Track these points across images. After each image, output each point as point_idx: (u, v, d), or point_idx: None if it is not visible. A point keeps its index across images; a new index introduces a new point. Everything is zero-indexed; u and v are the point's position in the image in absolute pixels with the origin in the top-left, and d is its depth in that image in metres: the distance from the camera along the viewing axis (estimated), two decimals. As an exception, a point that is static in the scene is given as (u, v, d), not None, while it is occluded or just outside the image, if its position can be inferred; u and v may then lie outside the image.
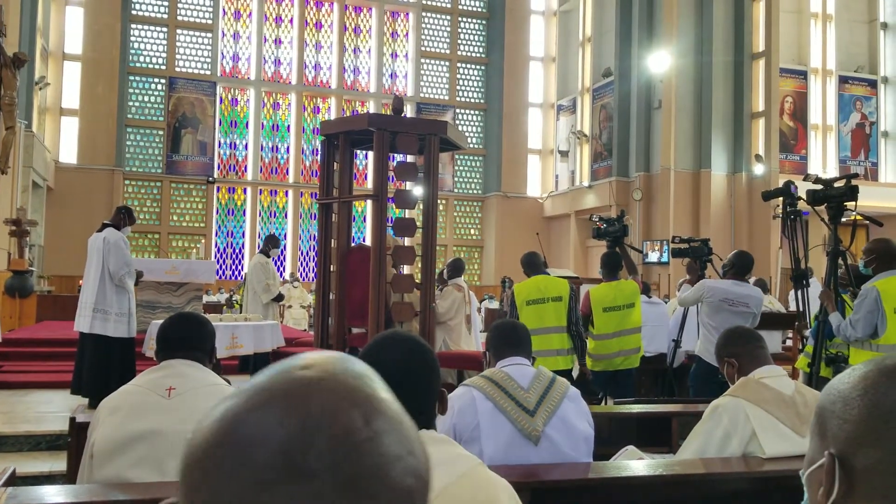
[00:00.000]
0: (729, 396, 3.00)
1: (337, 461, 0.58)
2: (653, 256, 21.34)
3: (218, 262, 25.08)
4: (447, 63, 28.80)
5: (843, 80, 24.03)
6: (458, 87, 28.82)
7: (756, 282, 7.49)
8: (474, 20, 29.27)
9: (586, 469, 2.82)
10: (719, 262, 6.90)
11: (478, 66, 29.15)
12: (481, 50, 29.23)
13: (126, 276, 7.20)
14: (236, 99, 26.74)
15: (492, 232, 28.01)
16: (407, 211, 10.78)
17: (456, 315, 8.27)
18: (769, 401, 2.93)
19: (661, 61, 21.66)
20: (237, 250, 26.36)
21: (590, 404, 3.04)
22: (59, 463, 5.35)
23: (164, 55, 25.83)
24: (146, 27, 25.80)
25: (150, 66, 25.81)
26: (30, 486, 2.67)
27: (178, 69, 25.91)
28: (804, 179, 5.85)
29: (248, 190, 26.58)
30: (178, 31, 26.02)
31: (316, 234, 9.43)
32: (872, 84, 24.29)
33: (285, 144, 27.17)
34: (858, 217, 5.45)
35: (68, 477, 3.40)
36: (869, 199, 16.39)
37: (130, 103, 25.47)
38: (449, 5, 28.80)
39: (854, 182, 5.25)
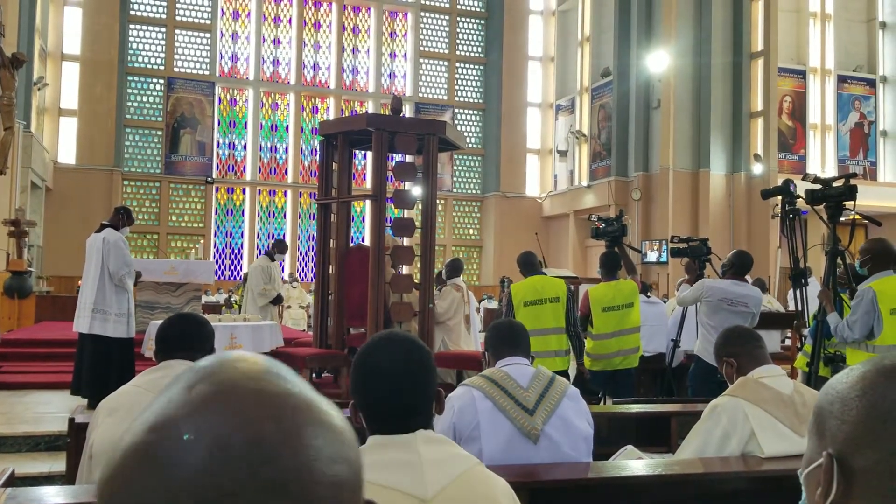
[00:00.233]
0: (728, 396, 3.00)
1: (254, 473, 0.55)
2: (651, 256, 21.35)
3: (217, 262, 25.07)
4: (446, 63, 28.80)
5: (841, 80, 24.04)
6: (456, 87, 28.82)
7: (755, 281, 7.49)
8: (473, 20, 29.27)
9: (585, 469, 2.82)
10: (718, 261, 6.90)
11: (476, 66, 29.15)
12: (480, 50, 29.23)
13: (126, 276, 7.20)
14: (235, 99, 26.73)
15: (491, 232, 28.01)
16: (406, 211, 10.77)
17: (455, 315, 8.27)
18: (768, 400, 2.93)
19: (659, 61, 21.67)
20: (236, 250, 26.35)
21: (588, 404, 3.04)
22: (58, 463, 5.35)
23: (162, 55, 25.82)
24: (145, 27, 25.79)
25: (149, 66, 25.80)
26: (29, 487, 2.67)
27: (176, 69, 25.90)
28: (803, 179, 5.85)
29: (247, 190, 26.57)
30: (177, 31, 26.01)
31: (315, 235, 9.42)
32: (871, 83, 24.31)
33: (284, 144, 27.16)
34: (857, 217, 5.45)
35: (67, 477, 3.40)
36: (868, 199, 16.42)
37: (129, 103, 25.47)
38: (447, 5, 28.80)
39: (853, 182, 5.25)
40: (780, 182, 6.15)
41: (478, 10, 29.30)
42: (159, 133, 25.61)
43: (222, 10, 26.62)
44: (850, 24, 24.19)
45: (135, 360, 7.48)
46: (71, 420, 3.44)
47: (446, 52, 28.81)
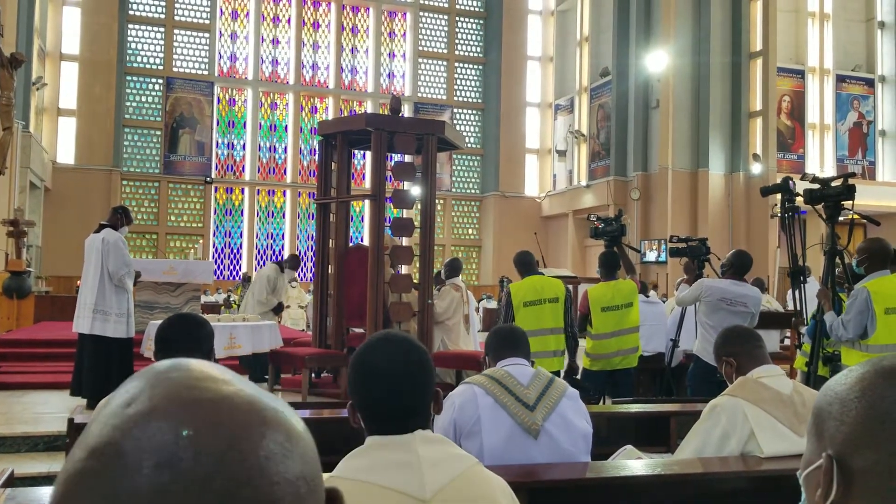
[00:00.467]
0: (727, 396, 3.00)
1: (205, 486, 0.53)
2: (651, 256, 21.36)
3: (216, 262, 25.08)
4: (445, 63, 28.80)
5: (840, 79, 24.06)
6: (455, 87, 28.82)
7: (754, 281, 7.48)
8: (472, 20, 29.28)
9: (584, 469, 2.82)
10: (717, 261, 6.90)
11: (475, 66, 29.15)
12: (479, 49, 29.24)
13: (125, 276, 7.19)
14: (234, 99, 26.73)
15: (490, 232, 28.01)
16: (405, 211, 10.77)
17: (454, 315, 8.26)
18: (767, 400, 2.93)
19: (658, 61, 21.68)
20: (235, 250, 26.34)
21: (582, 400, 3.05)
22: (57, 464, 5.35)
23: (161, 55, 25.81)
24: (143, 27, 25.79)
25: (148, 66, 25.80)
26: (28, 487, 2.67)
27: (175, 69, 25.90)
28: (802, 178, 5.86)
29: (246, 190, 26.57)
30: (176, 31, 26.01)
31: (314, 235, 9.42)
32: (870, 83, 24.32)
33: (283, 144, 27.16)
34: (856, 216, 5.45)
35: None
36: (866, 198, 16.43)
37: (128, 103, 25.46)
38: (446, 5, 28.80)
39: (851, 181, 5.25)
40: (778, 181, 6.15)
41: (477, 9, 29.31)
42: (158, 133, 25.61)
43: (221, 9, 26.61)
44: (848, 23, 24.21)
45: (134, 360, 7.47)
46: (70, 420, 3.44)
47: (445, 51, 28.81)
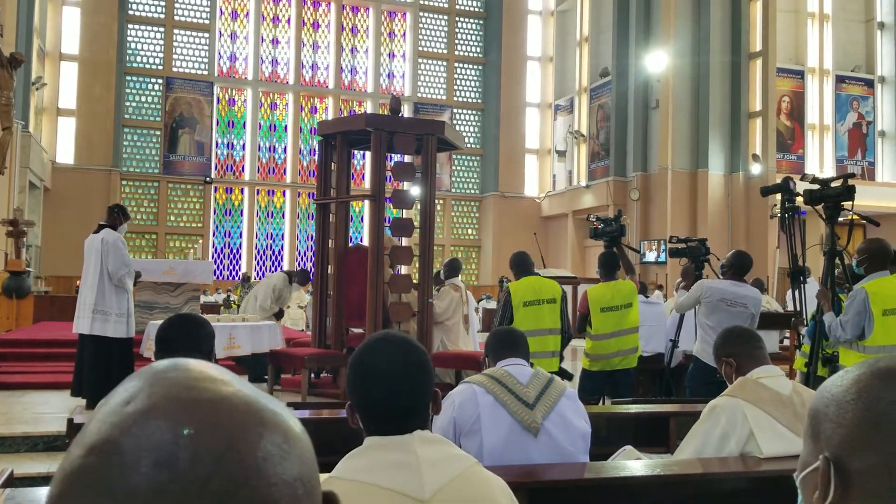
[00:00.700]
0: (727, 396, 3.00)
1: (203, 486, 0.53)
2: (650, 256, 21.36)
3: (215, 262, 25.08)
4: (444, 63, 28.80)
5: (839, 80, 24.06)
6: (455, 87, 28.83)
7: (753, 282, 7.49)
8: (471, 20, 29.28)
9: (584, 469, 2.82)
10: (717, 262, 6.90)
11: (475, 66, 29.15)
12: (479, 50, 29.24)
13: (125, 276, 7.19)
14: (233, 99, 26.73)
15: (489, 232, 28.02)
16: (404, 211, 10.77)
17: (453, 315, 8.26)
18: (767, 401, 2.93)
19: (658, 61, 21.68)
20: (234, 250, 26.34)
21: None
22: (56, 464, 5.33)
23: (160, 55, 25.81)
24: (143, 27, 25.79)
25: (147, 66, 25.80)
26: (28, 488, 2.67)
27: (174, 69, 25.90)
28: (801, 179, 5.86)
29: (246, 190, 26.57)
30: (175, 31, 26.01)
31: (313, 235, 9.42)
32: (869, 84, 24.32)
33: (283, 144, 27.16)
34: (855, 217, 5.45)
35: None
36: (866, 199, 16.42)
37: (127, 103, 25.46)
38: (446, 5, 28.80)
39: (851, 182, 5.25)
40: (778, 181, 6.15)
41: (476, 10, 29.31)
42: (158, 133, 25.61)
43: (221, 9, 26.61)
44: (848, 24, 24.21)
45: (134, 360, 7.48)
46: (70, 420, 3.44)
47: (445, 52, 28.81)
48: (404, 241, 8.71)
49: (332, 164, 8.35)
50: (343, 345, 8.03)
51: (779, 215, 6.19)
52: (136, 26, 25.73)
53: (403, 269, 8.74)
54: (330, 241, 8.27)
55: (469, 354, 7.76)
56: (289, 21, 27.37)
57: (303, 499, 0.57)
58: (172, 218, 25.60)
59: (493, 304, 20.33)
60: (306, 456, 0.59)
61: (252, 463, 0.55)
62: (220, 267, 25.63)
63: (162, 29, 25.86)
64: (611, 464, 3.09)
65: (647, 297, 8.01)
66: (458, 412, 2.81)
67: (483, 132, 28.83)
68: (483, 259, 28.41)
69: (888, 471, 0.83)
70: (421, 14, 28.59)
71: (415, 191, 8.73)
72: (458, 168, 28.87)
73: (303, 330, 13.94)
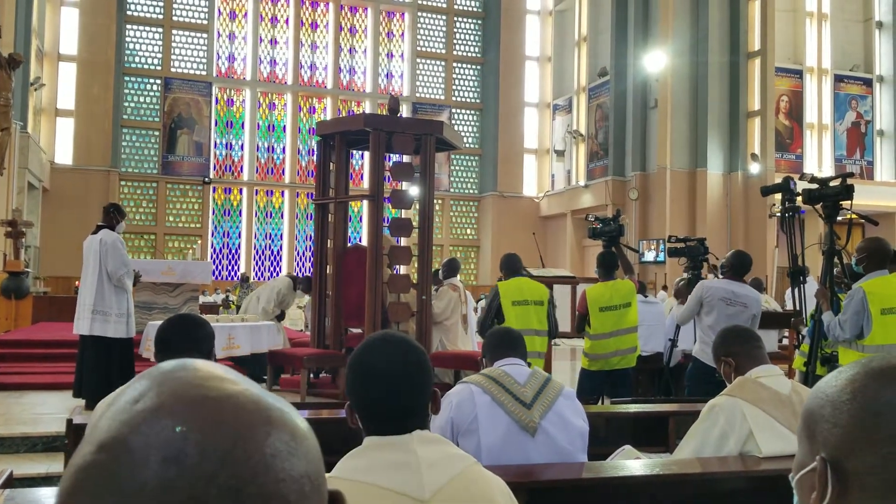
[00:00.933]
0: (726, 396, 3.00)
1: (210, 481, 0.54)
2: (649, 256, 21.37)
3: (214, 262, 25.07)
4: (443, 63, 28.80)
5: (838, 79, 24.08)
6: (454, 87, 28.82)
7: (752, 282, 7.49)
8: (470, 20, 29.28)
9: (582, 468, 2.82)
10: (716, 261, 6.90)
11: (474, 66, 29.16)
12: (477, 49, 29.24)
13: (125, 276, 7.19)
14: (232, 99, 26.72)
15: (488, 232, 28.02)
16: (403, 211, 10.77)
17: (452, 315, 8.26)
18: (766, 400, 2.93)
19: (656, 60, 21.69)
20: (233, 251, 26.34)
21: None
22: (56, 464, 5.35)
23: (159, 56, 25.81)
24: (141, 28, 25.78)
25: (146, 66, 25.79)
26: (27, 488, 2.67)
27: (173, 70, 25.89)
28: (800, 178, 5.88)
29: (244, 190, 26.56)
30: (174, 31, 26.00)
31: (312, 235, 9.42)
32: (868, 83, 24.34)
33: (281, 145, 27.16)
34: (854, 216, 5.46)
35: (65, 479, 3.39)
36: (865, 198, 16.43)
37: (126, 104, 25.45)
38: (444, 5, 28.80)
39: (849, 181, 5.26)
40: (777, 181, 6.16)
41: (475, 10, 29.31)
42: (156, 133, 25.60)
43: (219, 10, 26.60)
44: (846, 23, 24.23)
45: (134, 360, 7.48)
46: (69, 421, 3.44)
47: (443, 52, 28.81)
48: (403, 241, 8.71)
49: (331, 164, 8.35)
50: (342, 345, 8.03)
51: (779, 215, 6.19)
52: (135, 27, 25.72)
53: (402, 269, 8.74)
54: (329, 241, 8.26)
55: (468, 354, 7.76)
56: (287, 21, 27.37)
57: (310, 495, 0.58)
58: (171, 218, 25.59)
59: (492, 304, 20.30)
60: (313, 453, 0.60)
61: (260, 459, 0.56)
62: (219, 267, 25.63)
63: (160, 29, 25.85)
64: (610, 463, 3.09)
65: (645, 296, 8.01)
66: (456, 412, 2.81)
67: (482, 132, 28.83)
68: (482, 259, 28.41)
69: (885, 470, 0.83)
70: (419, 14, 28.59)
71: (413, 191, 8.73)
72: (457, 168, 28.88)
73: (301, 330, 13.94)
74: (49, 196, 23.20)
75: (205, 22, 26.30)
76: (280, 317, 10.02)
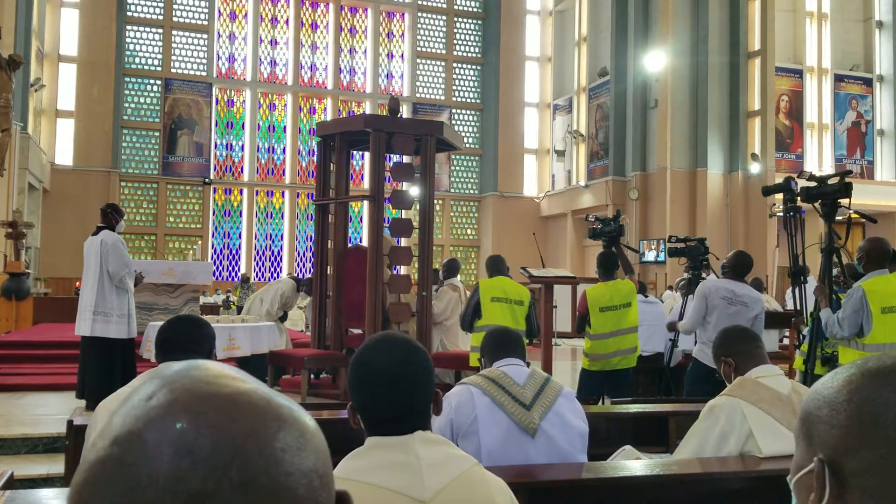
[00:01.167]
0: (726, 396, 3.01)
1: (222, 475, 0.56)
2: (649, 256, 21.37)
3: (215, 263, 25.06)
4: (443, 63, 28.79)
5: (838, 79, 24.08)
6: (454, 88, 28.82)
7: (752, 281, 7.49)
8: (470, 20, 29.27)
9: (583, 469, 2.83)
10: (716, 261, 6.91)
11: (474, 66, 29.15)
12: (477, 50, 29.23)
13: (126, 276, 7.19)
14: (232, 100, 26.71)
15: (488, 232, 28.01)
16: (403, 211, 10.77)
17: (452, 315, 8.27)
18: (766, 400, 2.93)
19: (656, 60, 21.69)
20: (234, 251, 26.33)
21: None
22: (56, 465, 5.35)
23: (159, 56, 25.80)
24: (141, 28, 25.77)
25: (146, 67, 25.78)
26: (27, 489, 2.68)
27: (173, 70, 25.88)
28: (799, 177, 5.87)
29: (245, 191, 26.56)
30: (174, 32, 25.99)
31: (313, 235, 9.42)
32: (868, 82, 24.34)
33: (281, 145, 27.15)
34: (854, 215, 5.47)
35: (66, 480, 3.40)
36: (865, 198, 16.45)
37: (126, 105, 25.44)
38: (444, 5, 28.79)
39: (848, 179, 5.26)
40: (777, 180, 6.16)
41: (475, 10, 29.30)
42: (156, 134, 25.60)
43: (219, 11, 26.60)
44: (846, 23, 24.23)
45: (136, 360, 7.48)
46: (69, 422, 3.44)
47: (443, 52, 28.80)
48: (403, 242, 8.71)
49: (331, 164, 8.35)
50: (342, 345, 8.04)
51: (780, 215, 6.20)
52: (135, 27, 25.71)
53: (402, 270, 8.74)
54: (329, 241, 8.27)
55: (468, 355, 7.76)
56: (287, 22, 27.36)
57: (318, 490, 0.60)
58: (171, 219, 25.59)
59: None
60: (321, 450, 0.62)
61: (270, 453, 0.58)
62: (220, 268, 25.62)
63: (160, 30, 25.84)
64: (610, 463, 3.09)
65: (646, 296, 8.01)
66: (455, 414, 2.81)
67: (482, 132, 28.83)
68: (482, 259, 28.36)
69: (883, 471, 0.83)
70: (419, 14, 28.58)
71: (414, 191, 8.74)
72: (457, 168, 28.87)
73: (302, 330, 13.94)
74: (49, 197, 23.20)
75: (205, 23, 26.29)
76: (283, 318, 10.03)
